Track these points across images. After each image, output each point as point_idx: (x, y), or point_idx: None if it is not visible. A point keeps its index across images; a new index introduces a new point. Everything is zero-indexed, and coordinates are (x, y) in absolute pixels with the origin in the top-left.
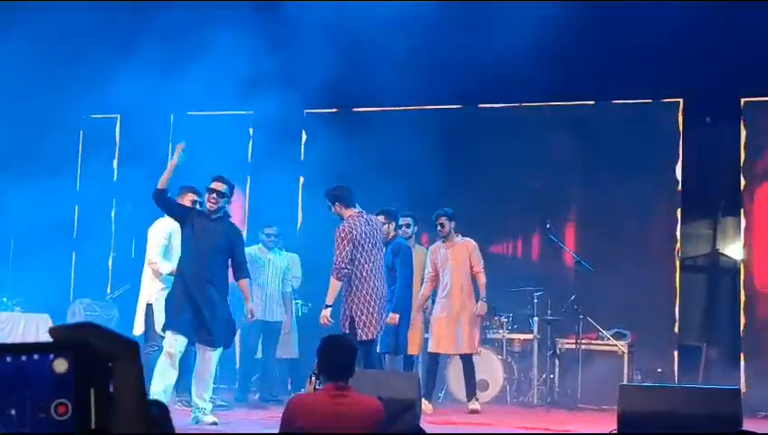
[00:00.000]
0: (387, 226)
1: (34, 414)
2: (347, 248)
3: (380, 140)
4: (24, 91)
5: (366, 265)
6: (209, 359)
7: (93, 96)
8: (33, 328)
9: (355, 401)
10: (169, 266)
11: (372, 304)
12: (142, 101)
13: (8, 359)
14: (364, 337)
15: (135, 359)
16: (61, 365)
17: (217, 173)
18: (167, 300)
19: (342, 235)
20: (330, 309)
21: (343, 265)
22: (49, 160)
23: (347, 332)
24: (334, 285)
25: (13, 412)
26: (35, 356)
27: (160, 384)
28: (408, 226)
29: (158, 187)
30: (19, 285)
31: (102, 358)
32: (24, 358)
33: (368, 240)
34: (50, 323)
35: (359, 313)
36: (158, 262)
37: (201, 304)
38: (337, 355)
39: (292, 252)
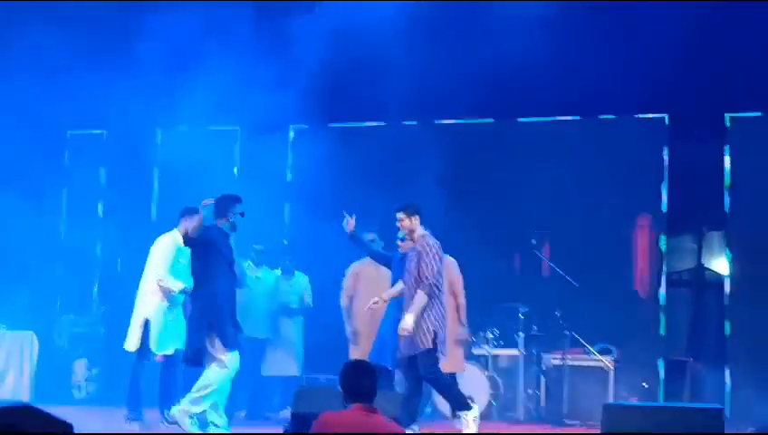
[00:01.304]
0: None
1: None
2: (435, 263)
3: (364, 155)
4: (9, 105)
5: (441, 282)
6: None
7: (79, 111)
8: (18, 347)
9: (381, 423)
10: (180, 285)
11: (445, 320)
12: (128, 116)
13: None
14: (441, 355)
15: None
16: None
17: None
18: (214, 321)
19: (433, 250)
20: (413, 321)
21: (433, 280)
22: (34, 176)
23: (428, 347)
24: (423, 299)
25: None
26: None
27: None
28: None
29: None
30: (4, 302)
31: None
32: None
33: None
34: (35, 341)
35: (440, 328)
36: (168, 279)
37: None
38: (363, 378)
39: (301, 272)
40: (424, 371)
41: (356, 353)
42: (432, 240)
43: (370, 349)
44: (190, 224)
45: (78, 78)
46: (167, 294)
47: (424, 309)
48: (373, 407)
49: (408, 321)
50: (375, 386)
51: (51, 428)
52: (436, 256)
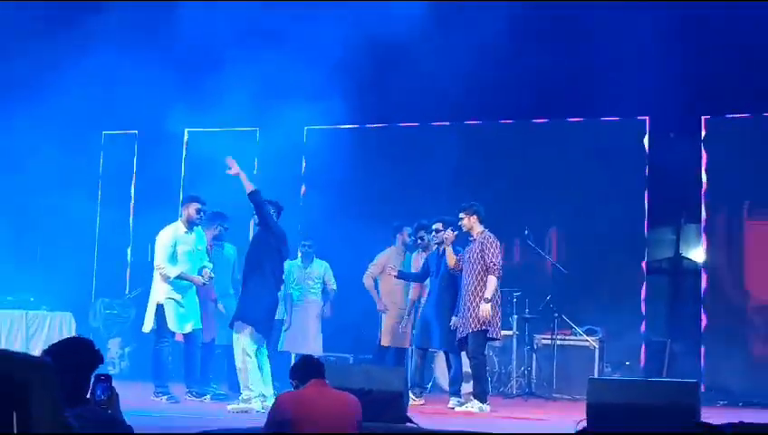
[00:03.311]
0: (443, 233)
1: None
2: (499, 252)
3: (373, 154)
4: (50, 106)
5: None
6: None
7: (113, 113)
8: (57, 325)
9: (333, 394)
10: (177, 271)
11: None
12: (158, 118)
13: None
14: (495, 335)
15: (47, 380)
16: None
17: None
18: (263, 302)
19: (496, 243)
20: (490, 304)
21: (500, 267)
22: (73, 172)
23: (482, 328)
24: (495, 283)
25: None
26: None
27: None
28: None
29: (253, 191)
30: (45, 286)
31: (19, 383)
32: None
33: None
34: (73, 322)
35: (498, 311)
36: (165, 267)
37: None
38: (310, 363)
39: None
40: (475, 350)
41: (390, 320)
42: (492, 235)
43: (398, 317)
44: (189, 210)
45: (112, 83)
46: (167, 280)
47: (471, 297)
48: (325, 381)
49: (485, 308)
50: (321, 368)
51: (28, 370)
52: (499, 247)
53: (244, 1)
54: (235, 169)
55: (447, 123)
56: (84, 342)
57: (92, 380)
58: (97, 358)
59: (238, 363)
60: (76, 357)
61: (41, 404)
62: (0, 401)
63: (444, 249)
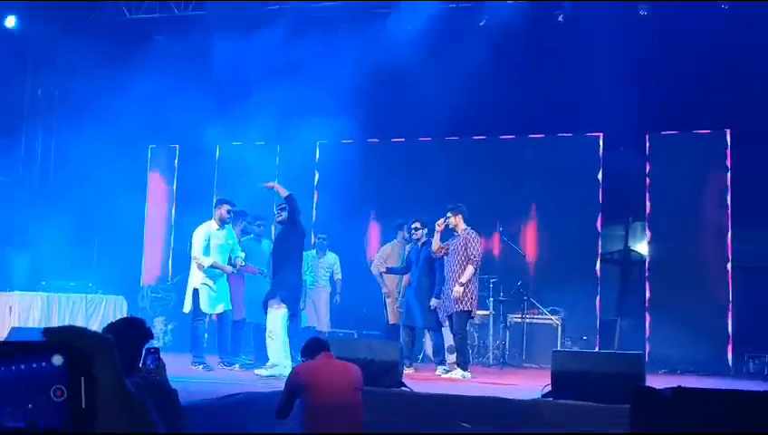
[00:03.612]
0: (421, 231)
1: (37, 397)
2: (479, 246)
3: (374, 165)
4: (109, 124)
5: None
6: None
7: (159, 129)
8: (111, 308)
9: (340, 364)
10: (210, 261)
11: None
12: (196, 134)
13: (18, 356)
14: (474, 310)
15: (109, 352)
16: (57, 360)
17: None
18: (291, 284)
19: (478, 238)
20: (463, 287)
21: (480, 259)
22: (125, 178)
23: (464, 308)
24: (472, 272)
25: (21, 396)
26: (39, 353)
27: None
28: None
29: (289, 194)
30: (101, 274)
31: (86, 353)
32: (29, 355)
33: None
34: (125, 304)
35: (476, 293)
36: (200, 258)
37: None
38: (317, 341)
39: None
40: (458, 327)
41: (393, 302)
42: (474, 232)
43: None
44: (221, 211)
45: (158, 106)
46: (202, 268)
47: (470, 280)
48: (331, 354)
49: (458, 289)
50: (327, 344)
51: (93, 343)
52: (480, 242)
53: (267, 38)
54: (270, 184)
55: (429, 139)
56: (137, 321)
57: (144, 352)
58: (148, 334)
59: (269, 335)
60: (131, 333)
61: (103, 371)
62: (72, 368)
63: (423, 244)
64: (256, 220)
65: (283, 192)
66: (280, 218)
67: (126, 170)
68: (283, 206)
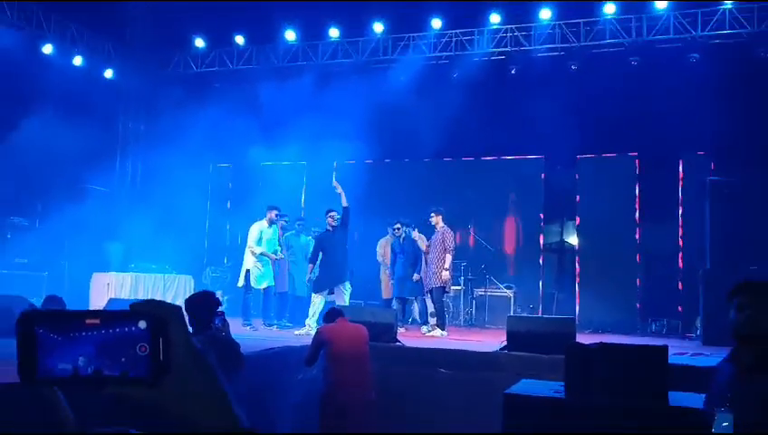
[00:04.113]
0: (400, 229)
1: (127, 352)
2: (453, 239)
3: (378, 183)
4: (182, 147)
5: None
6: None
7: (214, 150)
8: (183, 284)
9: (353, 326)
10: (260, 250)
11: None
12: (244, 155)
13: (113, 322)
14: (448, 286)
15: (179, 319)
16: (142, 324)
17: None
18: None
19: (451, 233)
20: (448, 271)
21: (453, 248)
22: (194, 186)
23: (442, 284)
24: (450, 259)
25: (116, 352)
26: (128, 319)
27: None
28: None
29: (347, 205)
30: (175, 257)
31: (163, 319)
32: (122, 321)
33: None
34: (192, 281)
35: (452, 273)
36: (254, 247)
37: None
38: (334, 313)
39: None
40: (436, 298)
41: (386, 277)
42: (449, 229)
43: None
44: (270, 214)
45: (218, 133)
46: (254, 255)
47: (438, 263)
48: (346, 318)
49: (446, 274)
50: (342, 311)
51: (167, 312)
52: (453, 236)
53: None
54: (339, 189)
55: (407, 160)
56: (210, 293)
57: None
58: (217, 302)
59: (314, 301)
60: (206, 301)
61: (176, 333)
62: (153, 330)
63: (403, 238)
64: (297, 220)
65: (344, 201)
66: (333, 222)
67: (193, 182)
68: (332, 211)
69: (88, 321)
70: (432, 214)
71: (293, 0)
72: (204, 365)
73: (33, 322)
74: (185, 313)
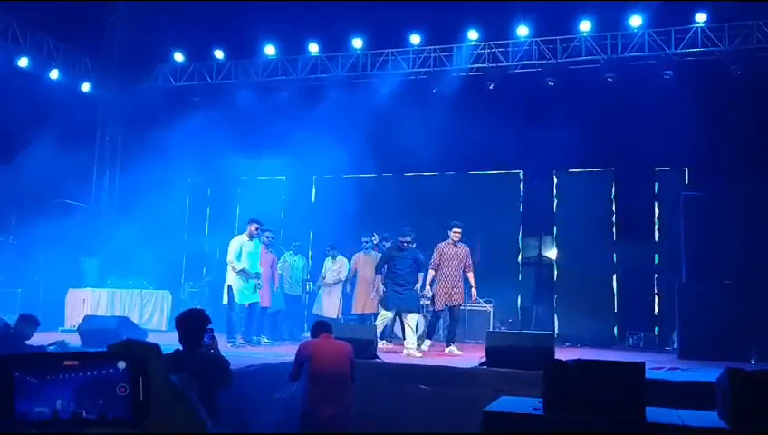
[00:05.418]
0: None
1: (106, 393)
2: (436, 257)
3: (357, 197)
4: (160, 162)
5: (444, 267)
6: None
7: (192, 164)
8: (160, 300)
9: (336, 343)
10: (241, 266)
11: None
12: (223, 170)
13: (93, 362)
14: (437, 306)
15: (158, 357)
16: (121, 364)
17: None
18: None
19: (436, 250)
20: (429, 287)
21: (432, 266)
22: (171, 201)
23: (429, 301)
24: (430, 275)
25: (94, 394)
26: (107, 360)
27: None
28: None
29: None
30: (152, 273)
31: (141, 360)
32: (99, 363)
33: (448, 254)
34: (170, 296)
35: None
36: (234, 262)
37: None
38: (322, 325)
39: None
40: (457, 314)
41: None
42: (441, 245)
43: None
44: (251, 228)
45: (194, 147)
46: (234, 271)
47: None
48: (331, 334)
49: (474, 292)
50: (330, 327)
51: (146, 352)
52: (437, 254)
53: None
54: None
55: (386, 175)
56: (200, 311)
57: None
58: (207, 319)
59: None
60: (196, 319)
61: (155, 373)
62: (132, 370)
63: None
64: (294, 242)
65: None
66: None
67: (171, 197)
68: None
69: (66, 363)
70: (459, 228)
71: (274, 14)
72: (184, 402)
73: (10, 366)
74: (176, 330)
